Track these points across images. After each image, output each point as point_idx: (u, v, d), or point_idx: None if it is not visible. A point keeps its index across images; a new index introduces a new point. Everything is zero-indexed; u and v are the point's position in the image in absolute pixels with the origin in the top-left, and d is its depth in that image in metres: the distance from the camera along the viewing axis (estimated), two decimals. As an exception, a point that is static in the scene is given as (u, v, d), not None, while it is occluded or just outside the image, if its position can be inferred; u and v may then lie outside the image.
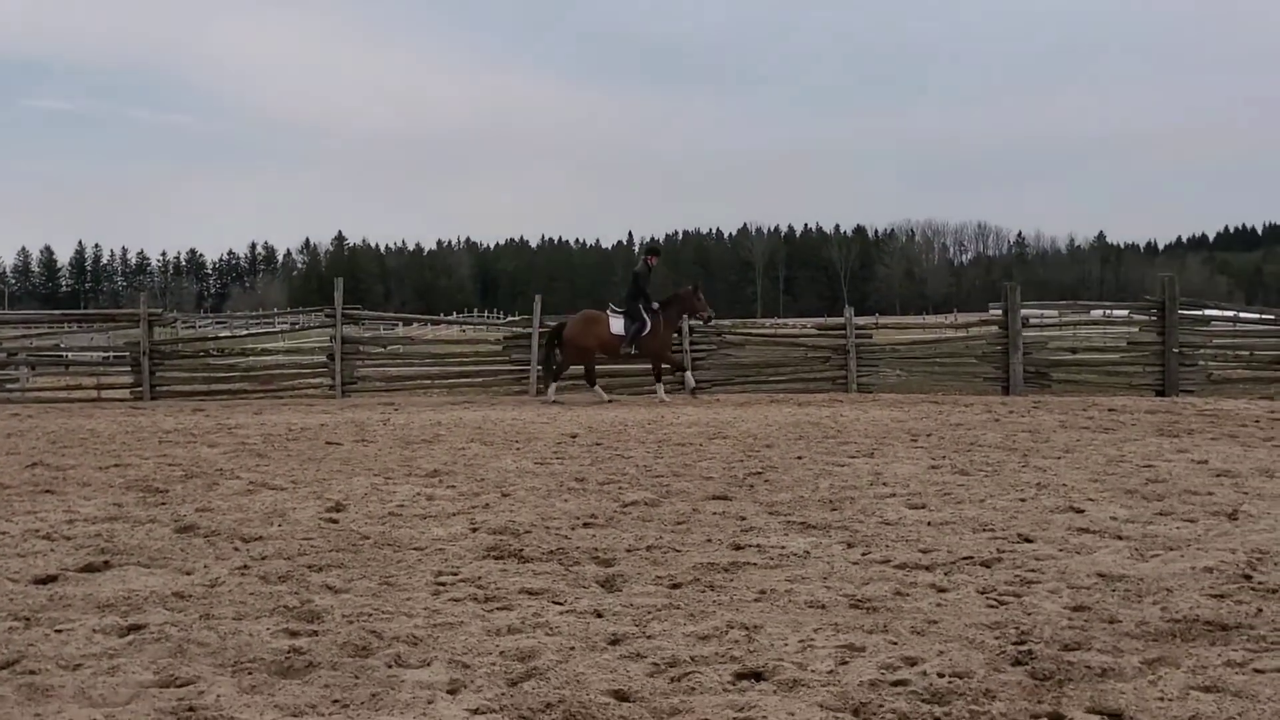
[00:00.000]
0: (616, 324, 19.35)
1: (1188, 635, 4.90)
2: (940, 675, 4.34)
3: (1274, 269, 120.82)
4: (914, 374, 21.31)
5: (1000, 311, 21.38)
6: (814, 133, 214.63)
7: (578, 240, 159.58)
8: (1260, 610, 5.22)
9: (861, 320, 24.12)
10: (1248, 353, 21.78)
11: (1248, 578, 5.85)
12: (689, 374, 19.85)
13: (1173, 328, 20.45)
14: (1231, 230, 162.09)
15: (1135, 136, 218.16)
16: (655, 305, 19.40)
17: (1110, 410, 16.23)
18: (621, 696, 4.21)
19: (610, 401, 19.17)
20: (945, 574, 6.10)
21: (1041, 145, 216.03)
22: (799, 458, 11.02)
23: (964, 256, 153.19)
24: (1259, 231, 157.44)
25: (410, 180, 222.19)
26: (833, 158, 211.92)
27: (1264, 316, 24.70)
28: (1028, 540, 6.94)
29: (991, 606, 5.41)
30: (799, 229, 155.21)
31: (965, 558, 6.45)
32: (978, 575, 6.06)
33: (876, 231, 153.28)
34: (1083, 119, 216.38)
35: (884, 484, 9.29)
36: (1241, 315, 27.15)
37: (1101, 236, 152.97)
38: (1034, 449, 11.56)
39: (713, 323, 22.12)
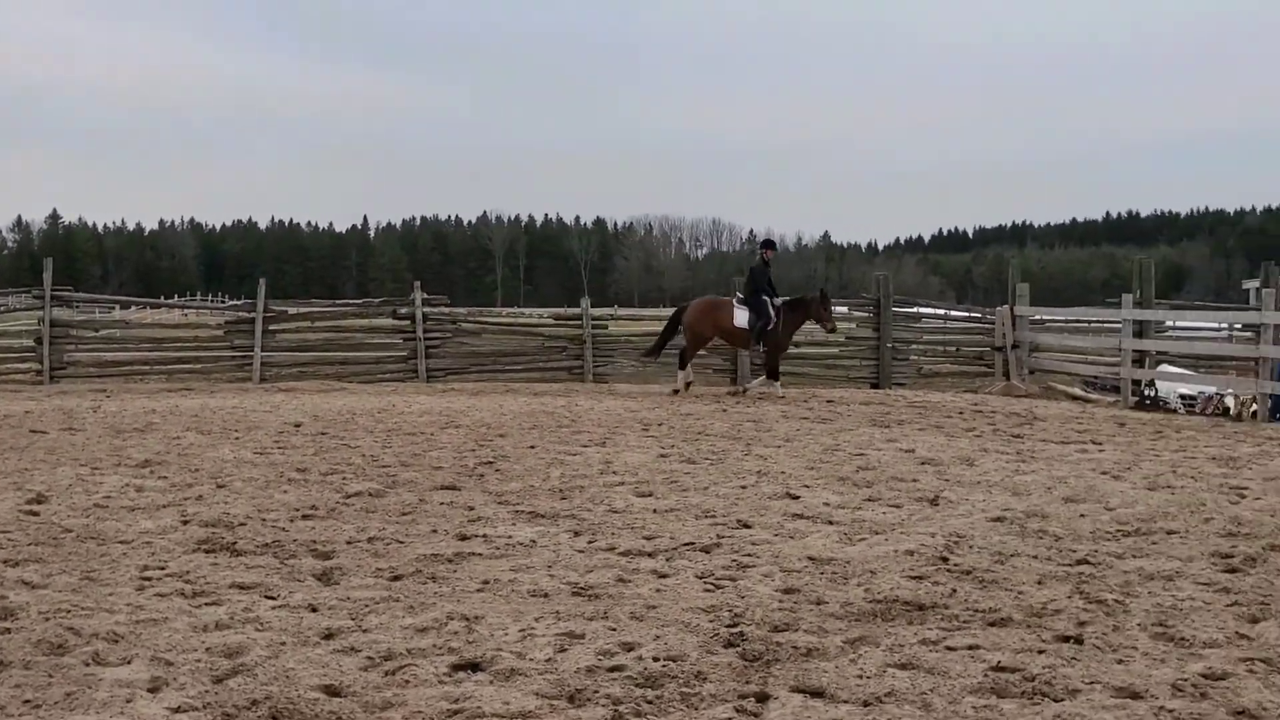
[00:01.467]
0: (741, 315, 18.33)
1: (888, 615, 5.15)
2: (655, 659, 4.42)
3: (982, 270, 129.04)
4: (648, 365, 21.66)
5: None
6: (554, 125, 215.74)
7: (309, 223, 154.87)
8: (955, 591, 5.55)
9: (599, 311, 24.31)
10: (955, 348, 23.19)
11: (945, 560, 6.21)
12: (778, 385, 18.25)
13: (887, 324, 21.54)
14: (945, 233, 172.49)
15: (852, 141, 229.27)
16: (779, 302, 18.46)
17: (829, 401, 16.96)
18: (332, 691, 4.09)
19: (678, 391, 18.25)
20: (667, 560, 6.22)
21: (772, 144, 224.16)
22: (531, 447, 11.02)
23: (700, 251, 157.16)
24: (969, 235, 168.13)
25: (133, 159, 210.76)
26: (573, 149, 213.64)
27: (971, 314, 26.34)
28: (746, 526, 7.16)
29: (709, 590, 5.55)
30: (539, 219, 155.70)
31: (687, 544, 6.60)
32: (698, 561, 6.20)
33: (616, 224, 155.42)
34: (807, 121, 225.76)
35: (614, 473, 9.40)
36: (951, 313, 28.88)
37: (827, 236, 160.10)
38: (757, 438, 11.95)
39: (447, 310, 21.93)
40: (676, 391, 18.18)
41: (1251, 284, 30.57)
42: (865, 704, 3.99)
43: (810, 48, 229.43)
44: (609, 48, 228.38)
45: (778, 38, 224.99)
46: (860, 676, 4.26)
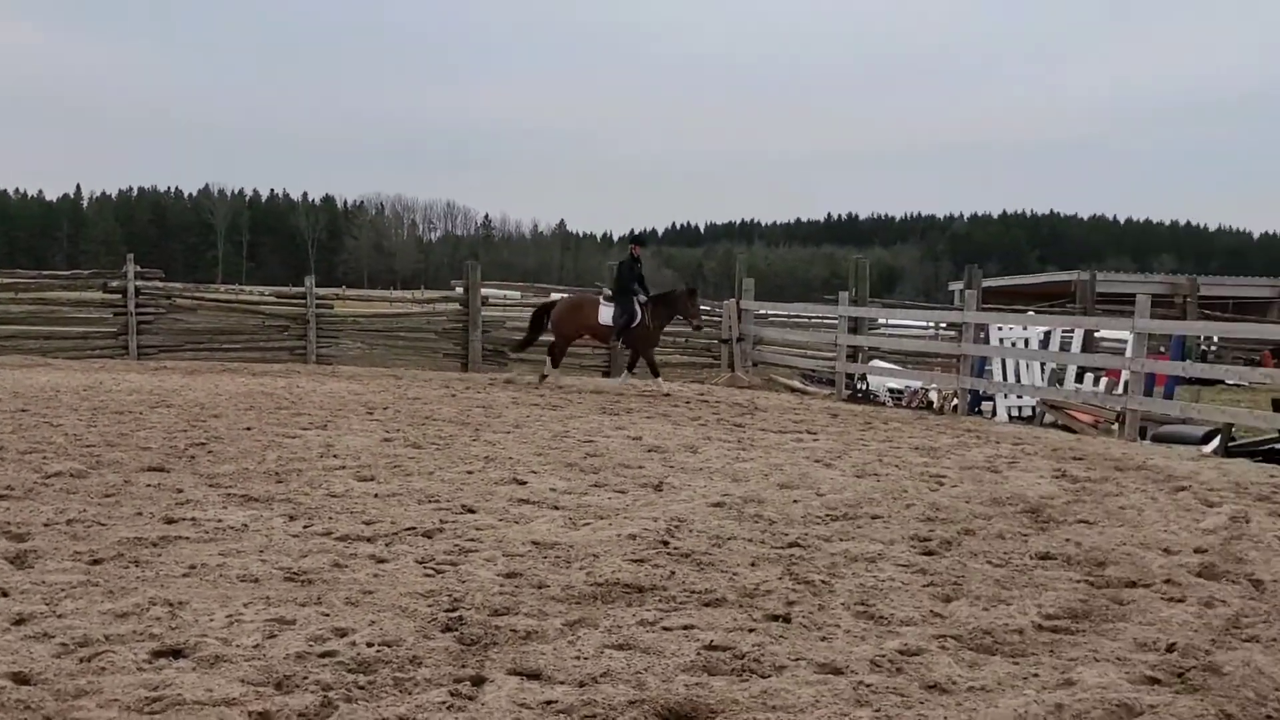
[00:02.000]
0: (606, 312, 17.49)
1: (608, 598, 5.20)
2: (370, 645, 4.31)
3: (713, 265, 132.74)
4: (375, 348, 21.22)
5: (462, 289, 21.83)
6: (282, 100, 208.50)
7: (17, 190, 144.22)
8: (674, 573, 5.65)
9: (324, 291, 23.63)
10: (684, 340, 23.71)
11: (666, 543, 6.32)
12: (661, 380, 17.58)
13: (619, 313, 21.88)
14: (678, 227, 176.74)
15: (590, 132, 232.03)
16: (644, 299, 17.61)
17: (561, 388, 17.05)
18: (21, 679, 3.81)
19: (545, 377, 17.72)
20: (386, 545, 6.09)
21: (510, 130, 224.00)
22: (247, 429, 10.60)
23: (433, 234, 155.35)
24: (701, 230, 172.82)
25: None
26: (302, 126, 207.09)
27: (702, 308, 27.01)
28: (471, 511, 7.09)
29: (429, 575, 5.46)
30: (265, 194, 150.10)
31: (408, 529, 6.48)
32: (419, 545, 6.10)
33: (346, 203, 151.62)
34: (543, 109, 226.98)
35: (334, 456, 9.15)
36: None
37: (563, 224, 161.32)
38: (486, 424, 11.88)
39: (161, 285, 20.87)
40: (544, 377, 17.94)
41: (956, 286, 32.60)
42: (581, 684, 4.00)
43: (549, 39, 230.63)
44: (343, 27, 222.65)
45: (512, 24, 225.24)
46: (578, 658, 4.28)
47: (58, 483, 7.49)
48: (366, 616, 4.70)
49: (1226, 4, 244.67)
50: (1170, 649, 4.71)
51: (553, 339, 18.48)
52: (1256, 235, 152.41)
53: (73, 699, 3.67)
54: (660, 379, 17.69)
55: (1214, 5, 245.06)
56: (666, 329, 18.60)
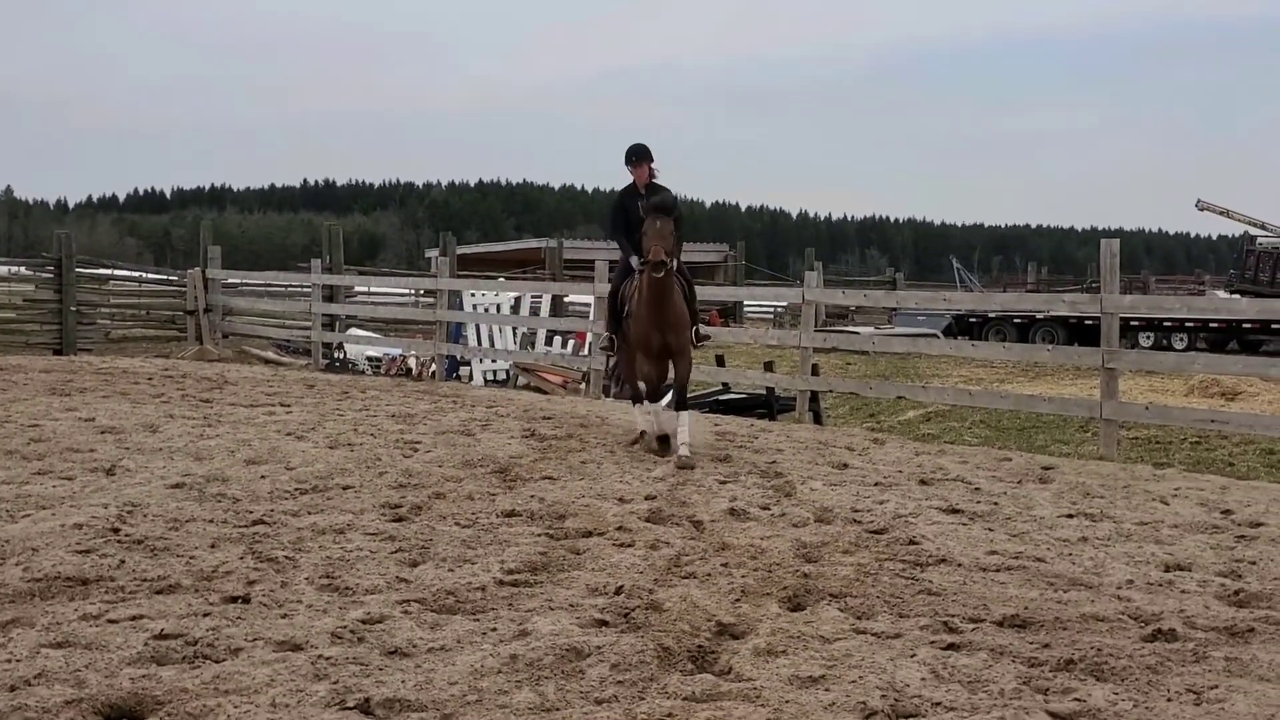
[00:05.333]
0: None
1: (47, 594, 4.79)
2: None
3: (182, 233, 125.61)
4: None
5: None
6: None
7: None
8: (124, 561, 5.30)
9: None
10: (146, 312, 22.31)
11: (116, 531, 5.92)
12: None
13: (70, 286, 20.17)
14: (141, 193, 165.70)
15: (47, 95, 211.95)
16: None
17: (3, 370, 15.46)
18: None
19: None
20: None
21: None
22: None
23: None
24: (168, 196, 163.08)
25: None
26: None
27: (167, 278, 25.49)
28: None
29: None
30: None
31: None
32: None
33: None
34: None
35: None
36: (146, 276, 27.75)
37: (10, 191, 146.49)
38: (-93, 412, 10.53)
39: None
40: None
41: (433, 253, 32.98)
42: (13, 689, 3.66)
43: None
44: None
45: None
46: (9, 660, 3.91)
47: None
48: None
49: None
50: (618, 591, 5.05)
51: None
52: (709, 204, 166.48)
53: None
54: None
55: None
56: None
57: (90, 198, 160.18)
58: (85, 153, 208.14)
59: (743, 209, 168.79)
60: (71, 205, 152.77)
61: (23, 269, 24.33)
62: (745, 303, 36.30)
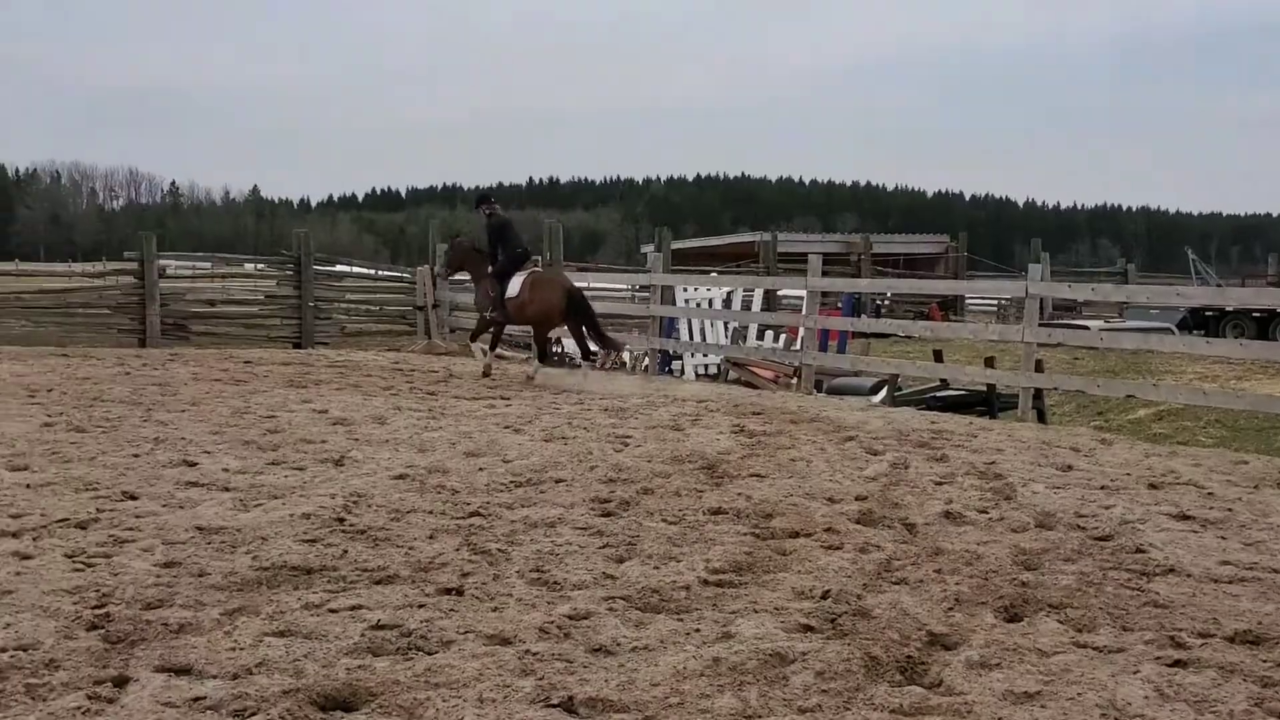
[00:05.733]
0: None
1: (273, 582, 5.02)
2: (2, 650, 3.99)
3: (415, 230, 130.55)
4: (44, 325, 19.76)
5: (136, 261, 20.58)
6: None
7: None
8: (346, 551, 5.51)
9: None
10: (379, 308, 23.25)
11: (341, 521, 6.16)
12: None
13: (308, 282, 21.19)
14: (379, 192, 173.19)
15: (285, 91, 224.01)
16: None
17: (246, 362, 16.38)
18: None
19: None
20: (34, 540, 5.66)
21: (193, 93, 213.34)
22: (-115, 419, 9.66)
23: (115, 203, 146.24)
24: (403, 194, 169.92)
25: None
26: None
27: (399, 274, 26.51)
28: (132, 498, 6.70)
29: (78, 570, 5.11)
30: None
31: (60, 520, 6.05)
32: (70, 538, 5.70)
33: (17, 171, 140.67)
34: (239, 69, 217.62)
35: (-15, 446, 8.45)
36: (380, 272, 28.92)
37: (256, 190, 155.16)
38: (160, 403, 11.26)
39: None
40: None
41: (648, 248, 33.27)
42: (234, 676, 3.84)
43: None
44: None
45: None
46: (233, 649, 4.10)
47: None
48: (2, 620, 4.35)
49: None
50: (825, 596, 4.96)
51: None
52: (930, 194, 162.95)
53: None
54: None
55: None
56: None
57: (331, 197, 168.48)
58: (328, 153, 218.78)
59: (966, 198, 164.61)
60: (314, 204, 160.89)
61: (266, 266, 25.67)
62: (966, 296, 35.32)
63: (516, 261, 15.14)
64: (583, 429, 9.92)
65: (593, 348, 15.50)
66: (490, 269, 15.34)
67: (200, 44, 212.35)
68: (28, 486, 6.98)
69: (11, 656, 3.94)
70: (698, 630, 4.48)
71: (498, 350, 15.90)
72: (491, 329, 15.71)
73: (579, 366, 15.44)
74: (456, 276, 17.80)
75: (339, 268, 24.42)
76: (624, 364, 18.76)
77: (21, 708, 3.55)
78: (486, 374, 15.03)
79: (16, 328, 19.46)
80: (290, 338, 21.02)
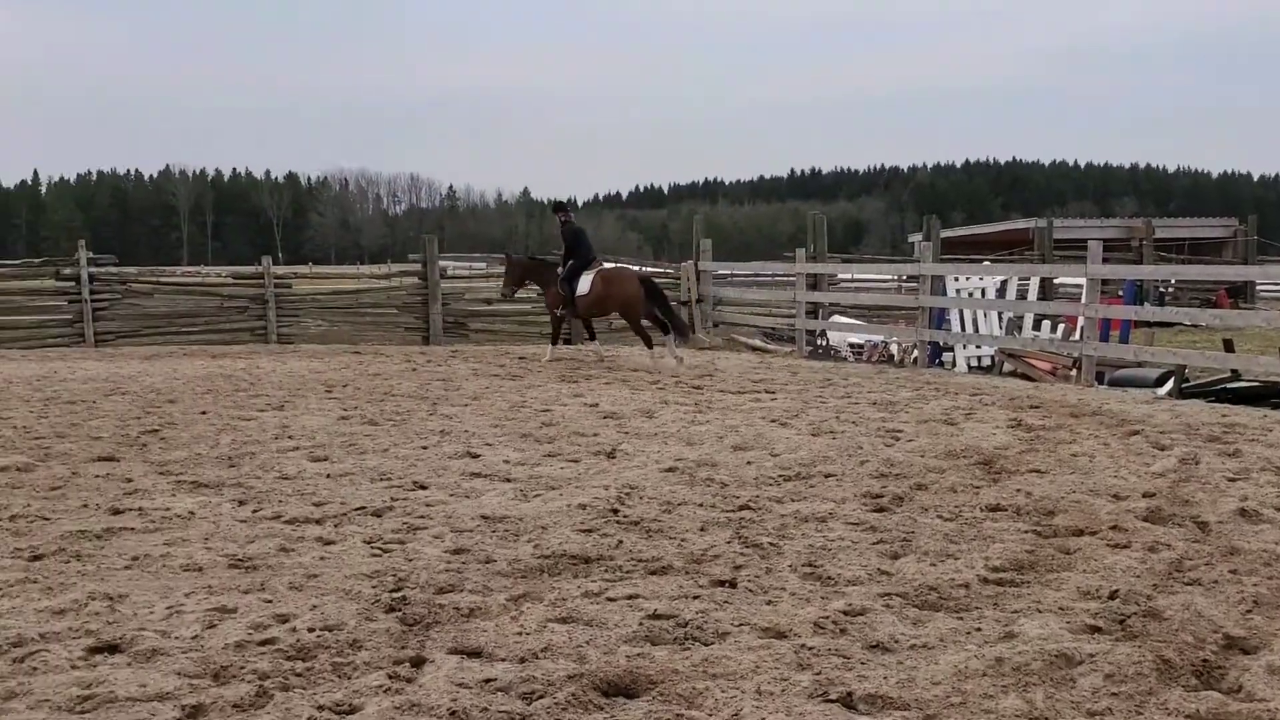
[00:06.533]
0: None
1: (554, 570, 5.19)
2: (310, 630, 4.28)
3: (677, 226, 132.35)
4: (337, 325, 21.08)
5: (420, 263, 21.66)
6: (240, 72, 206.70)
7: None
8: (621, 542, 5.64)
9: (282, 270, 23.42)
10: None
11: (616, 512, 6.31)
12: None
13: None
14: (641, 189, 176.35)
15: (550, 97, 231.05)
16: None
17: (521, 358, 17.00)
18: (-50, 685, 3.76)
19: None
20: (335, 526, 6.05)
21: (469, 101, 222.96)
22: (203, 413, 10.51)
23: (398, 207, 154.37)
24: (665, 191, 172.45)
25: None
26: (258, 102, 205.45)
27: (662, 270, 26.94)
28: (422, 487, 7.06)
29: (375, 555, 5.43)
30: (227, 173, 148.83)
31: (358, 508, 6.44)
32: (367, 525, 6.07)
33: (309, 179, 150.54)
34: (499, 76, 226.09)
35: (289, 437, 9.08)
36: (643, 269, 29.42)
37: (526, 192, 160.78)
38: (444, 397, 11.83)
39: (116, 270, 20.67)
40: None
41: (916, 237, 32.62)
42: (522, 660, 3.99)
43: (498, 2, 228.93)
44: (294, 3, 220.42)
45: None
46: (520, 633, 4.26)
47: (2, 478, 7.39)
48: (309, 601, 4.67)
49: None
50: (1112, 596, 4.74)
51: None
52: (1215, 174, 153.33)
53: (2, 701, 3.63)
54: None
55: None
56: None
57: (597, 195, 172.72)
58: (587, 153, 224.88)
59: (1254, 178, 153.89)
60: (581, 203, 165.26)
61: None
62: (1257, 282, 33.03)
63: (588, 264, 16.60)
64: (851, 423, 9.81)
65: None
66: (560, 271, 16.86)
67: (477, 57, 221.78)
68: (328, 476, 7.47)
69: (319, 636, 4.22)
70: (978, 629, 4.36)
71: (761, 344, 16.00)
72: (555, 326, 17.65)
73: (845, 358, 15.30)
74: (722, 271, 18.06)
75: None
76: (891, 356, 18.45)
77: (329, 685, 3.79)
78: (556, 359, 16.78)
79: (313, 327, 20.81)
80: (563, 334, 21.63)
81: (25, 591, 4.85)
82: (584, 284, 16.33)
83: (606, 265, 17.29)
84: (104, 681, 3.77)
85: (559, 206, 17.61)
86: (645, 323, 16.22)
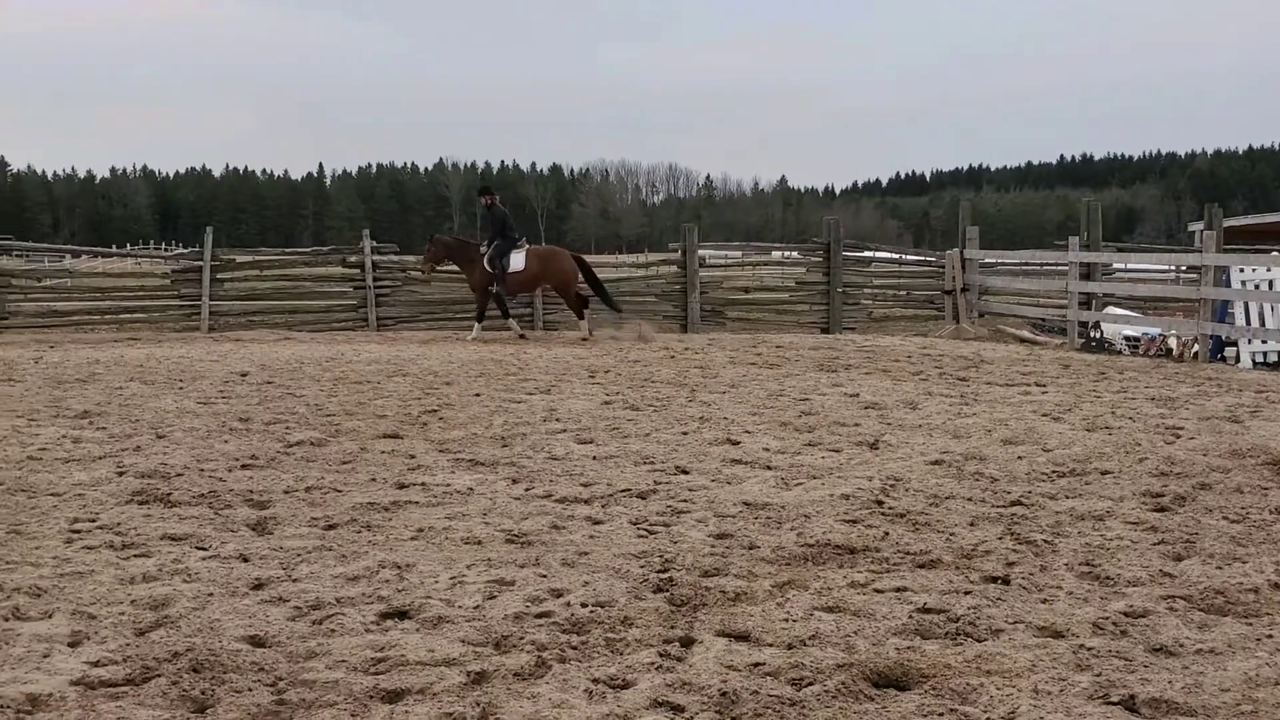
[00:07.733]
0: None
1: (819, 559, 5.18)
2: (584, 605, 4.43)
3: (939, 214, 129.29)
4: (597, 313, 21.54)
5: (679, 251, 21.92)
6: (508, 68, 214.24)
7: (265, 171, 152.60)
8: (887, 534, 5.58)
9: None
10: (905, 292, 23.24)
11: (880, 503, 6.25)
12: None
13: (837, 269, 21.57)
14: (902, 176, 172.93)
15: (811, 86, 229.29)
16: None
17: (777, 347, 16.99)
18: (257, 642, 4.07)
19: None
20: (603, 507, 6.22)
21: (728, 92, 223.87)
22: (476, 395, 10.98)
23: (656, 197, 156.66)
24: (927, 178, 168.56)
25: (83, 106, 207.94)
26: (529, 94, 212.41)
27: (925, 259, 26.40)
28: (684, 472, 7.17)
29: (641, 536, 5.55)
30: (496, 166, 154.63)
31: (624, 490, 6.60)
32: (633, 507, 6.21)
33: (573, 170, 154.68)
34: (770, 69, 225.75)
35: (556, 420, 9.38)
36: (905, 257, 28.92)
37: (784, 180, 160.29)
38: (702, 384, 11.96)
39: (397, 258, 21.80)
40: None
41: (1196, 226, 30.80)
42: (789, 646, 4.01)
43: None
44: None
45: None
46: (786, 620, 4.28)
47: (299, 451, 7.93)
48: (581, 577, 4.83)
49: None
50: None
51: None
52: None
53: (304, 660, 3.90)
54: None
55: None
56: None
57: (855, 183, 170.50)
58: (848, 142, 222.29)
59: None
60: (838, 191, 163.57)
61: (795, 254, 26.42)
62: None
63: (513, 244, 18.49)
64: (1128, 419, 9.38)
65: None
66: (483, 251, 18.58)
67: (738, 45, 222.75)
68: (594, 459, 7.68)
69: (591, 612, 4.36)
70: (1269, 636, 4.11)
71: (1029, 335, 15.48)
72: (491, 301, 18.83)
73: (1119, 351, 14.62)
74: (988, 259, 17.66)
75: (866, 254, 24.62)
76: (1169, 350, 17.51)
77: (603, 659, 3.91)
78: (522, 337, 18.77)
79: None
80: (818, 323, 21.52)
81: (321, 558, 5.19)
82: (517, 261, 18.36)
83: (536, 246, 19.63)
84: (395, 645, 4.01)
85: (485, 190, 20.08)
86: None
